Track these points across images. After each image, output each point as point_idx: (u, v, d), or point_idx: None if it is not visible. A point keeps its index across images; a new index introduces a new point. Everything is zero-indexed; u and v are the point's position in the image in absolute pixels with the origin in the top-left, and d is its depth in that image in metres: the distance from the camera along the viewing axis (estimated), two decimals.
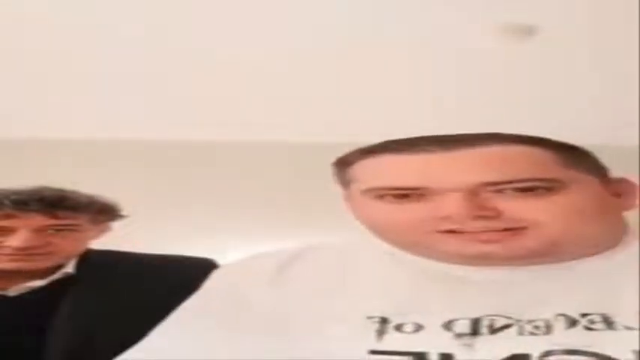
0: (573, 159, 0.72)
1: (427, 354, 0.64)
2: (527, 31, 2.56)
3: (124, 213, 1.34)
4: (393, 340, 0.67)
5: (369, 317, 0.69)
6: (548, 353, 0.63)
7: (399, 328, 0.68)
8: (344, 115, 3.43)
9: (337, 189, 0.84)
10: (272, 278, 0.79)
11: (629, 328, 0.64)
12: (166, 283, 1.27)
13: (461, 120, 3.35)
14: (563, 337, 0.64)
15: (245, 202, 4.18)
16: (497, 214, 0.68)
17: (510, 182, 0.68)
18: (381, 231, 0.76)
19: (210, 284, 0.86)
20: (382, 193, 0.72)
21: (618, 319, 0.65)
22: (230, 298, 0.79)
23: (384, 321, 0.69)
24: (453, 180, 0.69)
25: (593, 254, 0.74)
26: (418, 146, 0.71)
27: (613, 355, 0.61)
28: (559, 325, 0.65)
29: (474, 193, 0.68)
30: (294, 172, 3.95)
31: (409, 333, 0.67)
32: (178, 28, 2.57)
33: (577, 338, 0.64)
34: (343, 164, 0.79)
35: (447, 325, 0.67)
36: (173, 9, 2.42)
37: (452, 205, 0.68)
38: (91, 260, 1.29)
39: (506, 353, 0.63)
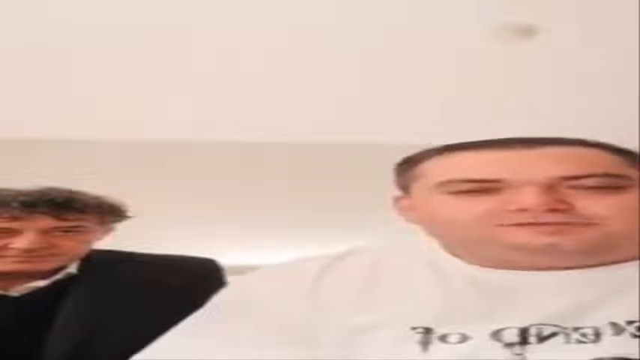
0: (632, 161, 0.76)
1: None
2: (527, 31, 2.57)
3: (129, 214, 1.33)
4: (439, 351, 0.66)
5: (413, 328, 0.69)
6: None
7: (443, 338, 0.67)
8: (344, 115, 3.44)
9: (387, 190, 0.86)
10: (310, 287, 0.78)
11: None
12: (168, 283, 1.27)
13: (461, 120, 3.36)
14: (610, 345, 0.65)
15: (246, 203, 4.19)
16: (570, 208, 0.70)
17: (586, 177, 0.71)
18: (445, 227, 0.76)
19: (241, 289, 0.85)
20: (455, 189, 0.74)
21: None
22: (264, 305, 0.77)
23: (427, 331, 0.68)
24: (531, 173, 0.71)
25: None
26: (494, 144, 0.74)
27: None
28: (606, 332, 0.66)
29: (550, 187, 0.71)
30: (295, 173, 3.95)
31: (455, 343, 0.67)
32: (178, 28, 2.57)
33: (624, 346, 0.64)
34: (410, 163, 0.80)
35: (496, 335, 0.67)
36: (174, 9, 2.42)
37: (529, 198, 0.70)
38: (93, 260, 1.29)
39: None
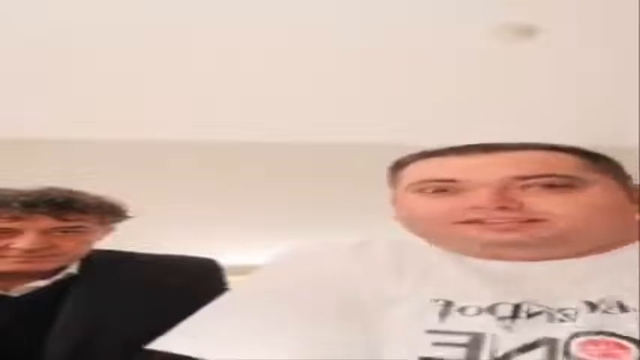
0: (598, 164, 0.81)
1: (483, 335, 0.68)
2: (527, 31, 2.57)
3: (130, 214, 1.33)
4: (454, 322, 0.71)
5: (435, 300, 0.74)
6: (575, 335, 0.67)
7: (462, 310, 0.72)
8: (344, 115, 3.44)
9: (381, 191, 0.93)
10: (346, 265, 0.83)
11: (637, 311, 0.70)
12: (168, 283, 1.27)
13: (461, 120, 3.36)
14: (584, 321, 0.69)
15: (246, 203, 4.19)
16: (519, 206, 0.76)
17: (535, 177, 0.77)
18: (416, 223, 0.84)
19: (278, 271, 0.88)
20: (423, 187, 0.82)
21: (630, 304, 0.71)
22: (303, 279, 0.81)
23: (448, 304, 0.73)
24: (487, 175, 0.78)
25: (604, 250, 0.80)
26: (461, 150, 0.82)
27: (631, 335, 0.67)
28: (583, 310, 0.71)
29: (503, 187, 0.77)
30: (295, 173, 3.95)
31: (471, 315, 0.71)
32: (178, 28, 2.57)
33: (598, 321, 0.69)
34: (399, 166, 0.88)
35: (491, 309, 0.72)
36: (174, 9, 2.42)
37: (481, 197, 0.77)
38: (94, 260, 1.29)
39: (537, 336, 0.68)
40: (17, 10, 2.40)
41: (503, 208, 0.76)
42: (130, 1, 2.37)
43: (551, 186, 0.77)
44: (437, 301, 0.74)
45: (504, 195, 0.76)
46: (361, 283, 0.79)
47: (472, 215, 0.78)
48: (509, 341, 0.67)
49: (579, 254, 0.79)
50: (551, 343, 0.67)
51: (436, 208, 0.80)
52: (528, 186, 0.77)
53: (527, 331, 0.68)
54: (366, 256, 0.85)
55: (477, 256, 0.80)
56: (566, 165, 0.79)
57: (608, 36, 2.60)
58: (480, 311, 0.72)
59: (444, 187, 0.80)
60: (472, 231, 0.78)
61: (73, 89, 3.12)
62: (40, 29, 2.54)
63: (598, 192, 0.78)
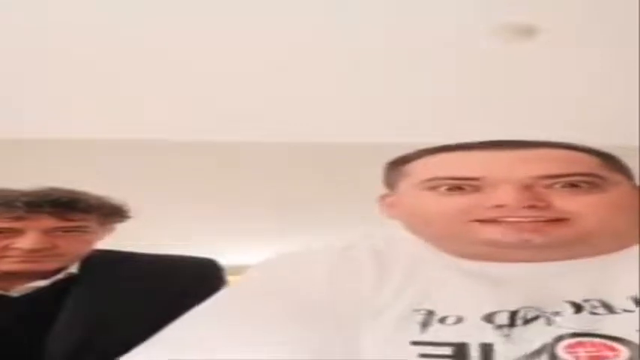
0: (612, 164, 0.80)
1: (467, 345, 0.66)
2: (527, 31, 2.57)
3: (130, 214, 1.33)
4: (436, 332, 0.68)
5: (416, 310, 0.71)
6: (560, 338, 0.66)
7: (442, 320, 0.69)
8: (344, 115, 3.44)
9: (373, 189, 0.90)
10: (328, 273, 0.80)
11: (626, 311, 0.68)
12: (168, 283, 1.27)
13: (461, 120, 3.36)
14: (574, 322, 0.67)
15: (246, 203, 4.19)
16: (547, 205, 0.74)
17: (560, 176, 0.75)
18: (423, 222, 0.80)
19: (260, 275, 0.85)
20: (437, 184, 0.78)
21: (617, 303, 0.69)
22: (286, 287, 0.78)
23: (430, 313, 0.70)
24: (509, 172, 0.75)
25: (617, 250, 0.78)
26: (479, 146, 0.79)
27: (619, 336, 0.65)
28: (567, 311, 0.69)
29: (527, 185, 0.74)
30: (295, 173, 3.95)
31: (451, 325, 0.69)
32: (178, 28, 2.57)
33: (585, 323, 0.67)
34: (399, 163, 0.85)
35: (488, 317, 0.69)
36: (174, 9, 2.42)
37: (506, 195, 0.73)
38: (93, 260, 1.29)
39: (539, 343, 0.65)
40: (17, 10, 2.40)
41: (531, 207, 0.73)
42: (131, 2, 2.37)
43: (574, 185, 0.75)
44: (418, 310, 0.71)
45: (530, 193, 0.73)
46: (340, 294, 0.76)
47: (493, 214, 0.74)
48: (509, 351, 0.64)
49: (594, 255, 0.77)
50: (550, 348, 0.64)
51: (451, 206, 0.76)
52: (553, 184, 0.75)
53: (528, 338, 0.66)
54: (347, 264, 0.81)
55: (487, 256, 0.76)
56: (589, 164, 0.77)
57: (608, 36, 2.61)
58: (460, 320, 0.69)
59: (459, 185, 0.77)
60: (495, 230, 0.74)
61: (73, 89, 3.12)
62: (40, 29, 2.54)
63: (620, 192, 0.77)
